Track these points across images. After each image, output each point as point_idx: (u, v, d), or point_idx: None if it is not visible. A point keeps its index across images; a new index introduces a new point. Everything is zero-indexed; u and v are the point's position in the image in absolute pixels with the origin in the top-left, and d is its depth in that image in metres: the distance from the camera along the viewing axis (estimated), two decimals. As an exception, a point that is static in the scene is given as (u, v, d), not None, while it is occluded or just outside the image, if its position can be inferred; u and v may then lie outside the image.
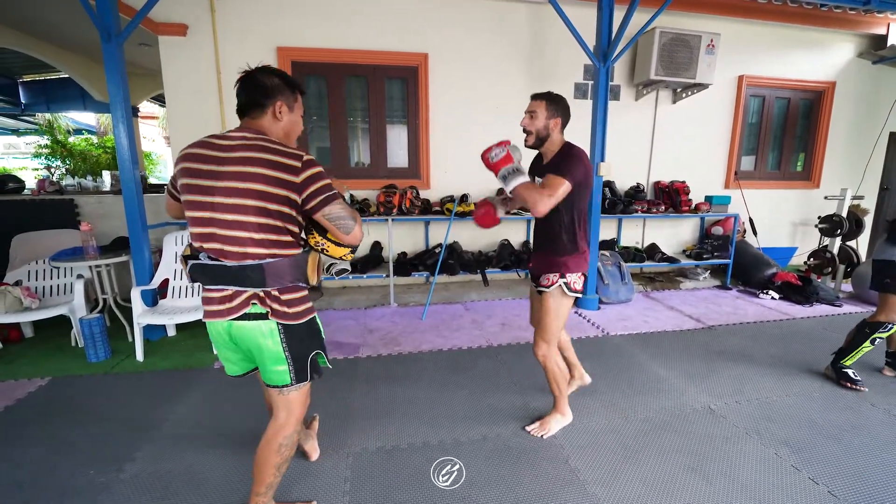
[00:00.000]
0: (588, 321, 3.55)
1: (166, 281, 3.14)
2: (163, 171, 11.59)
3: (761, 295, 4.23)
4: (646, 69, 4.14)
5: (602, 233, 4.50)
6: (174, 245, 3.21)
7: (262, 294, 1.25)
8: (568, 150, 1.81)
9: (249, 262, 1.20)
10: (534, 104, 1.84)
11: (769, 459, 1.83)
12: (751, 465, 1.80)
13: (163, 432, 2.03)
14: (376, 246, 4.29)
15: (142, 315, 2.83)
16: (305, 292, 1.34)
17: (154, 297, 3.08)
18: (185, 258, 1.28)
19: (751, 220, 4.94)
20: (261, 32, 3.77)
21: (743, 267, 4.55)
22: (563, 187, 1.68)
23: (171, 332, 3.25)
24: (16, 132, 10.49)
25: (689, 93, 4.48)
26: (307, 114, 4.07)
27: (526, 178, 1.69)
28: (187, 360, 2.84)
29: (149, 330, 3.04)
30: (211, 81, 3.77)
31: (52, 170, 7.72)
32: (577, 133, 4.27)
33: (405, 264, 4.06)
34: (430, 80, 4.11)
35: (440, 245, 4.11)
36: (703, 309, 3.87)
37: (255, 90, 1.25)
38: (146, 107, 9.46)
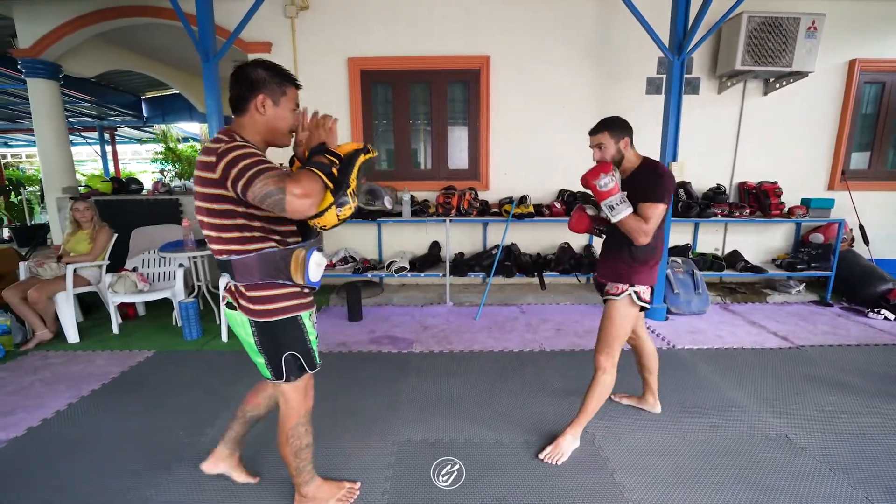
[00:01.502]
0: (652, 331, 3.33)
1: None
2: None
3: (871, 314, 3.64)
4: (730, 59, 3.77)
5: (674, 238, 4.18)
6: (255, 240, 3.59)
7: (233, 287, 1.28)
8: (652, 167, 1.80)
9: (224, 257, 1.23)
10: (597, 138, 1.83)
11: (854, 499, 1.60)
12: (832, 506, 1.58)
13: (238, 405, 2.29)
14: (434, 246, 4.40)
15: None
16: (286, 290, 1.28)
17: (237, 286, 3.47)
18: None
19: (861, 227, 4.27)
20: (334, 45, 4.05)
21: (849, 281, 3.96)
22: (660, 212, 1.70)
23: (251, 318, 3.63)
24: (139, 141, 12.33)
25: (784, 83, 3.99)
26: (377, 119, 4.31)
27: (631, 210, 1.71)
28: (262, 344, 3.16)
29: (232, 315, 3.43)
30: (290, 92, 4.13)
31: (165, 173, 8.97)
32: (651, 131, 4.04)
33: (462, 264, 4.12)
34: (491, 82, 4.13)
35: (497, 246, 4.11)
36: (792, 326, 3.44)
37: (239, 85, 1.21)
38: (240, 116, 10.59)
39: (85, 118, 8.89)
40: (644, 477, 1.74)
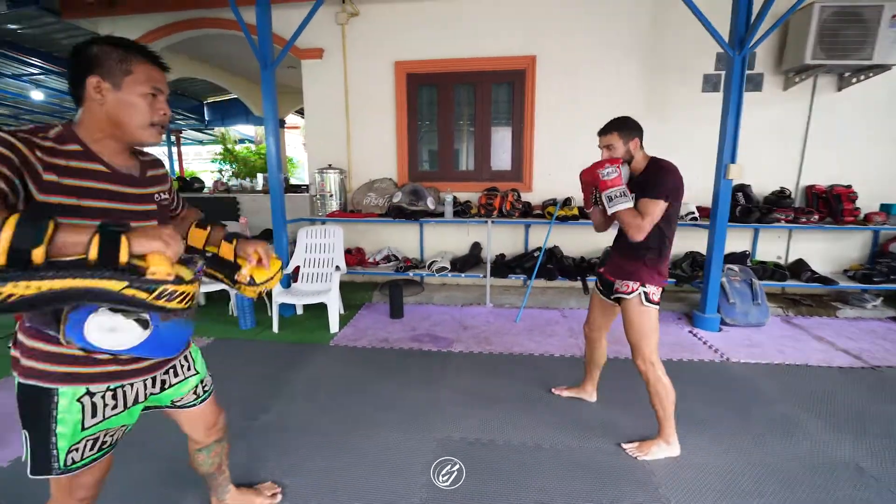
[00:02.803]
0: (704, 343, 3.16)
1: (298, 267, 3.71)
2: (302, 173, 13.48)
3: (964, 334, 3.26)
4: (799, 53, 3.50)
5: (730, 244, 3.93)
6: (306, 238, 3.77)
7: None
8: (656, 165, 1.80)
9: None
10: (606, 139, 1.84)
11: (942, 542, 1.45)
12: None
13: (288, 392, 2.43)
14: (475, 246, 4.41)
15: (279, 295, 3.39)
16: (49, 345, 0.93)
17: (289, 281, 3.65)
18: None
19: (953, 237, 3.83)
20: (381, 50, 4.17)
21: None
22: (659, 208, 1.71)
23: (300, 311, 3.82)
24: (200, 143, 13.25)
25: (863, 77, 3.65)
26: (421, 121, 4.38)
27: (630, 204, 1.73)
28: (310, 335, 3.32)
29: (283, 307, 3.61)
30: (340, 96, 4.30)
31: (223, 172, 9.59)
32: (707, 131, 3.83)
33: (503, 266, 4.10)
34: (536, 83, 4.08)
35: (539, 248, 4.05)
36: (866, 344, 3.14)
37: (70, 68, 0.93)
38: (291, 118, 11.12)
39: (155, 122, 9.69)
40: (691, 494, 1.67)
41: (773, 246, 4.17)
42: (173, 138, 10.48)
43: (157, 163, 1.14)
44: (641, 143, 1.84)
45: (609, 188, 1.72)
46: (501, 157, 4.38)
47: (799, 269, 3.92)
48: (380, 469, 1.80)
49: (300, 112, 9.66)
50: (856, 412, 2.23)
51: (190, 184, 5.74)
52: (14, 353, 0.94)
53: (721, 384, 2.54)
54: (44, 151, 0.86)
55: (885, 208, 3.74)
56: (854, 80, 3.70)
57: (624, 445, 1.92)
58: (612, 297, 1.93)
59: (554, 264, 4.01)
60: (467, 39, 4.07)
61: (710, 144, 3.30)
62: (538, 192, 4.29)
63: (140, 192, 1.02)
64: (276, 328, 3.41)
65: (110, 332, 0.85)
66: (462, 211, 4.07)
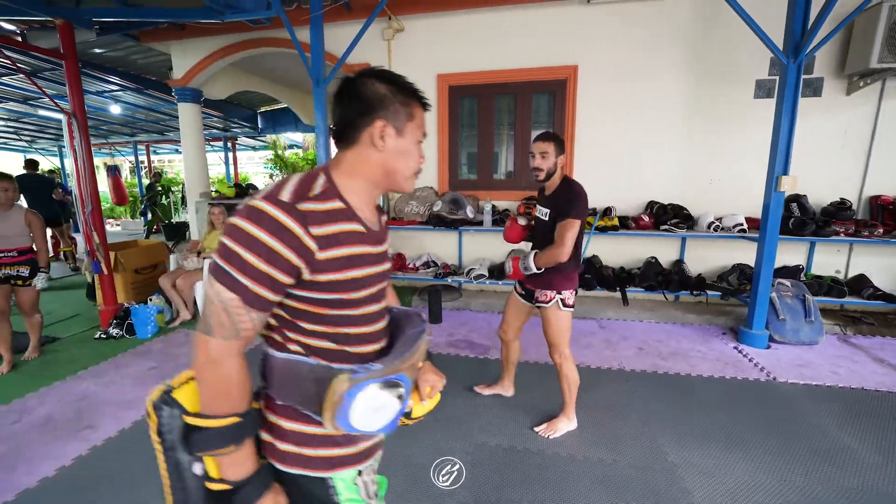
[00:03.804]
0: (750, 360, 3.06)
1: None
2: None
3: None
4: (864, 55, 3.30)
5: (782, 257, 3.76)
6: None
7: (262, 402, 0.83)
8: (569, 186, 2.01)
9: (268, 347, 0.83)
10: (544, 145, 2.00)
11: None
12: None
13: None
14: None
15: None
16: (313, 427, 0.79)
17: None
18: None
19: None
20: (425, 63, 4.33)
21: None
22: (575, 228, 1.93)
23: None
24: (253, 149, 14.09)
25: (939, 80, 3.38)
26: (462, 130, 4.50)
27: (532, 255, 2.02)
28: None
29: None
30: (384, 108, 4.50)
31: (273, 177, 10.17)
32: (761, 141, 3.69)
33: (539, 274, 4.13)
34: (578, 91, 4.09)
35: (577, 258, 4.05)
36: (936, 367, 2.93)
37: (347, 105, 0.80)
38: (336, 124, 11.65)
39: (214, 130, 10.44)
40: (729, 515, 1.67)
41: (831, 259, 3.94)
42: (229, 144, 11.24)
43: (381, 209, 0.93)
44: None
45: (521, 272, 2.07)
46: (540, 166, 4.41)
47: (860, 284, 3.68)
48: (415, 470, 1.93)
49: (344, 119, 10.09)
50: (917, 443, 2.12)
51: (245, 190, 6.17)
52: (266, 437, 0.80)
53: (767, 405, 2.47)
54: (316, 222, 0.71)
55: (964, 222, 3.45)
56: (929, 83, 3.43)
57: (536, 429, 2.22)
58: (536, 305, 2.17)
59: (592, 274, 4.00)
60: (508, 51, 4.14)
61: (762, 152, 3.19)
62: (577, 201, 4.29)
63: (383, 250, 0.87)
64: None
65: (375, 411, 0.74)
66: (501, 220, 4.14)
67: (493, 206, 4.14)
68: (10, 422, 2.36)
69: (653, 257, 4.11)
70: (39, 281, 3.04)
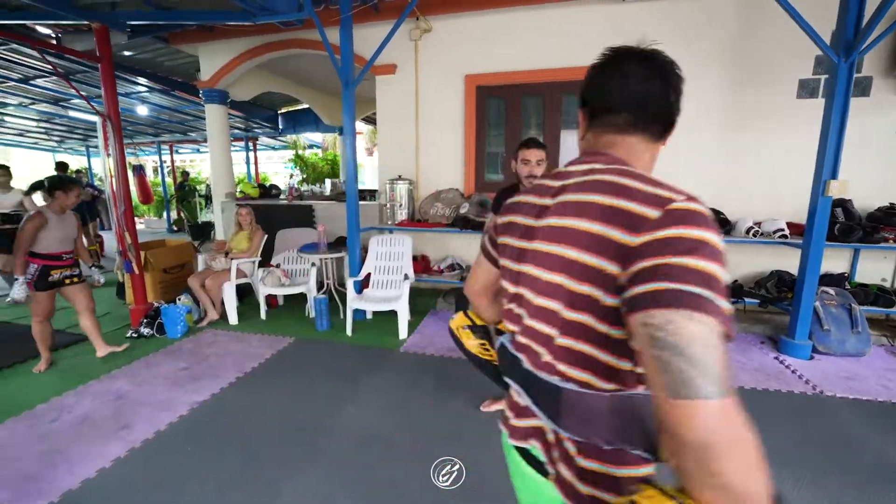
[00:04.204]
0: (793, 371, 2.94)
1: (369, 274, 3.92)
2: (363, 176, 14.06)
3: None
4: (918, 54, 3.13)
5: (826, 264, 3.60)
6: (377, 246, 3.98)
7: (552, 437, 0.71)
8: None
9: (547, 375, 0.68)
10: (541, 153, 2.04)
11: None
12: None
13: (364, 393, 2.60)
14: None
15: (353, 300, 3.61)
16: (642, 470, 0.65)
17: (360, 287, 3.87)
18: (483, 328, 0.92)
19: None
20: (452, 64, 4.28)
21: None
22: None
23: (369, 316, 4.03)
24: (273, 148, 14.25)
25: None
26: (489, 130, 4.44)
27: None
28: (380, 340, 3.50)
29: (354, 312, 3.84)
30: (410, 109, 4.47)
31: (293, 176, 10.25)
32: (804, 142, 3.54)
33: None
34: (609, 92, 3.98)
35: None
36: None
37: (672, 90, 0.72)
38: (356, 125, 11.70)
39: (236, 130, 10.58)
40: (790, 541, 1.58)
41: (877, 266, 3.77)
42: (250, 145, 11.37)
43: None
44: None
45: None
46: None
47: (909, 294, 3.51)
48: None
49: (365, 119, 10.10)
50: None
51: (268, 190, 6.22)
52: (585, 488, 0.66)
53: (812, 420, 2.36)
54: None
55: None
56: None
57: (481, 408, 2.37)
58: None
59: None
60: (537, 51, 4.06)
61: (804, 154, 3.07)
62: (606, 204, 4.19)
63: None
64: (349, 331, 3.63)
65: None
66: (528, 222, 4.06)
67: (521, 209, 4.06)
68: (50, 420, 2.40)
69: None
70: (96, 274, 3.11)
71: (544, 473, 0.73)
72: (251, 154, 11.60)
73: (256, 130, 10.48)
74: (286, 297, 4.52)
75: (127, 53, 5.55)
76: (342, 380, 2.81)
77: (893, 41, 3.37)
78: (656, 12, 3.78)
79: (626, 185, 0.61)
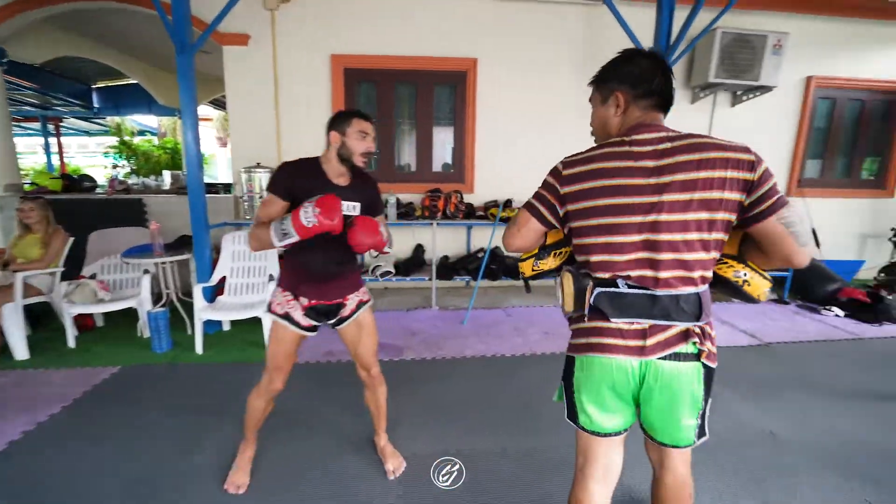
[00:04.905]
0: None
1: (224, 278, 3.32)
2: (214, 170, 12.23)
3: (823, 311, 3.95)
4: (704, 71, 3.96)
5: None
6: (231, 244, 3.39)
7: (698, 330, 1.00)
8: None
9: (685, 289, 0.98)
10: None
11: (844, 490, 1.71)
12: (819, 498, 1.68)
13: (226, 423, 2.14)
14: (418, 249, 4.34)
15: (202, 310, 3.00)
16: None
17: (213, 294, 3.25)
18: (580, 287, 1.06)
19: (814, 231, 4.61)
20: (316, 41, 3.91)
21: (802, 281, 4.26)
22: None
23: (226, 327, 3.43)
24: (87, 133, 11.40)
25: (751, 95, 4.24)
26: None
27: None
28: (242, 354, 2.99)
29: (206, 324, 3.21)
30: (268, 89, 3.95)
31: (118, 168, 8.34)
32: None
33: (448, 268, 4.08)
34: (478, 85, 4.12)
35: (482, 249, 4.10)
36: (758, 324, 3.66)
37: (670, 84, 1.08)
38: (203, 110, 10.04)
39: (26, 107, 8.11)
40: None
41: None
42: (51, 127, 8.84)
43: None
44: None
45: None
46: (443, 159, 4.36)
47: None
48: (347, 501, 1.66)
49: (213, 103, 8.75)
50: (761, 385, 2.56)
51: (78, 182, 4.86)
52: (713, 349, 1.03)
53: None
54: None
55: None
56: (744, 97, 4.29)
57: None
58: (347, 317, 1.70)
59: (497, 265, 4.09)
60: (410, 38, 3.97)
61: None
62: (479, 194, 4.35)
63: None
64: (199, 349, 3.01)
65: None
66: (406, 213, 3.97)
67: (398, 199, 3.94)
68: None
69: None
70: None
71: (697, 357, 1.01)
72: (53, 139, 9.06)
73: (59, 108, 8.21)
74: (107, 315, 3.57)
75: None
76: (189, 412, 2.27)
77: (687, 59, 4.21)
78: (524, 11, 4.02)
79: (718, 142, 0.95)
